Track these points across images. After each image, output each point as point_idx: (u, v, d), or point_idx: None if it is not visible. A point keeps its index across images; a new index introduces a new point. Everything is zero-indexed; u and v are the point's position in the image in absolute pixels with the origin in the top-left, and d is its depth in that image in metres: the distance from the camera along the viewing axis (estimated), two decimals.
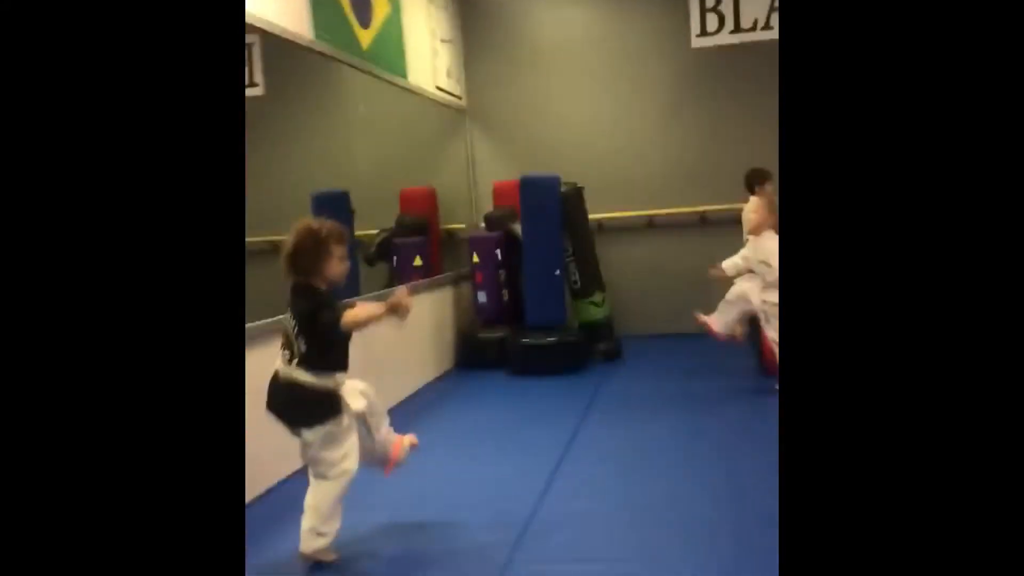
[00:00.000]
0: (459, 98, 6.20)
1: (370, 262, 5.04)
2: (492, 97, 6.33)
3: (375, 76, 4.57)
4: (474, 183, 6.44)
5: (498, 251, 5.44)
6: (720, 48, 5.91)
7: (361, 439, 2.46)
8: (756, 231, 4.07)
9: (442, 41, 5.84)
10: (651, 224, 6.13)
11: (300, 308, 2.31)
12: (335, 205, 4.26)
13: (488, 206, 6.10)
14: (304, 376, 2.30)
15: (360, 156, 4.69)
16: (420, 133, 5.81)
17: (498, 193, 5.96)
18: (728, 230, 6.04)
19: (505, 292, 5.54)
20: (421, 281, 5.10)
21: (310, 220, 2.36)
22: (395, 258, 5.17)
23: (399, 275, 5.11)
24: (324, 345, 2.30)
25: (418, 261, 5.17)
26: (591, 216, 5.77)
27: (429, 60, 5.55)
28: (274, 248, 3.94)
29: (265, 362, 2.43)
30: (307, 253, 2.30)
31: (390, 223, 5.39)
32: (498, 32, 6.26)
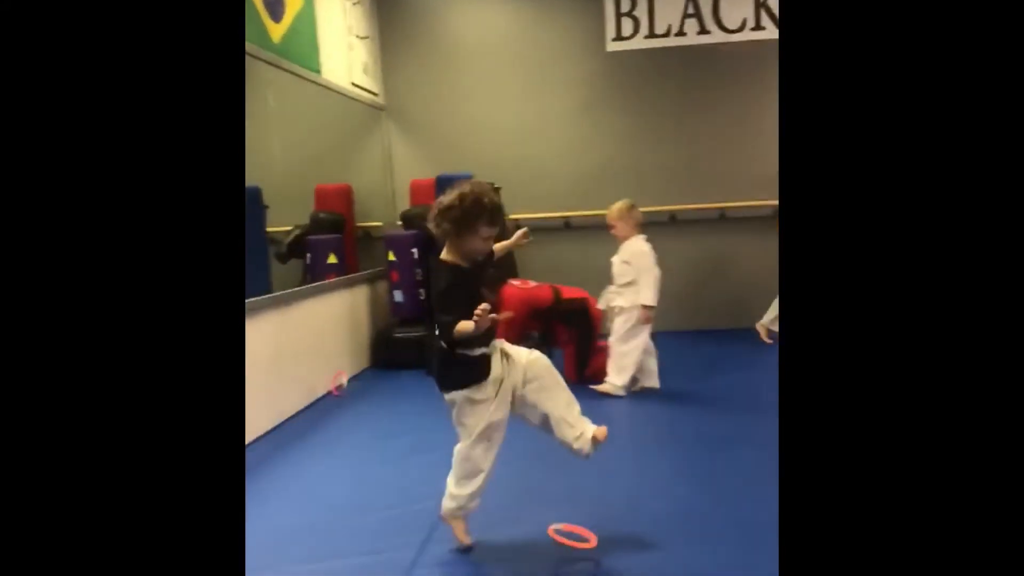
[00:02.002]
0: (376, 95, 6.14)
1: (282, 259, 4.95)
2: (410, 95, 6.29)
3: (286, 70, 4.49)
4: (391, 181, 6.39)
5: (415, 250, 5.41)
6: (635, 52, 6.02)
7: (532, 413, 2.40)
8: (625, 235, 4.33)
9: (358, 37, 5.77)
10: (568, 225, 6.20)
11: (433, 286, 2.33)
12: (246, 200, 4.17)
13: (406, 204, 6.06)
14: (442, 343, 2.30)
15: (273, 151, 4.59)
16: (336, 130, 5.73)
17: (415, 191, 5.93)
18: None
19: (422, 291, 5.52)
20: (336, 279, 5.04)
21: (477, 186, 2.27)
22: (309, 255, 5.08)
23: (313, 272, 5.03)
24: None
25: (333, 259, 5.10)
26: (508, 216, 5.80)
27: (344, 56, 5.48)
28: None
29: None
30: (454, 216, 2.23)
31: (305, 220, 5.30)
32: (416, 30, 6.22)
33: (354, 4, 5.70)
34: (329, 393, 4.66)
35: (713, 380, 4.60)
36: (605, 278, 5.94)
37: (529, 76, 6.18)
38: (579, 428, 2.39)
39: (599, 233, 6.14)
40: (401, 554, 2.45)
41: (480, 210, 2.23)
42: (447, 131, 6.25)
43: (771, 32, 5.88)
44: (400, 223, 5.91)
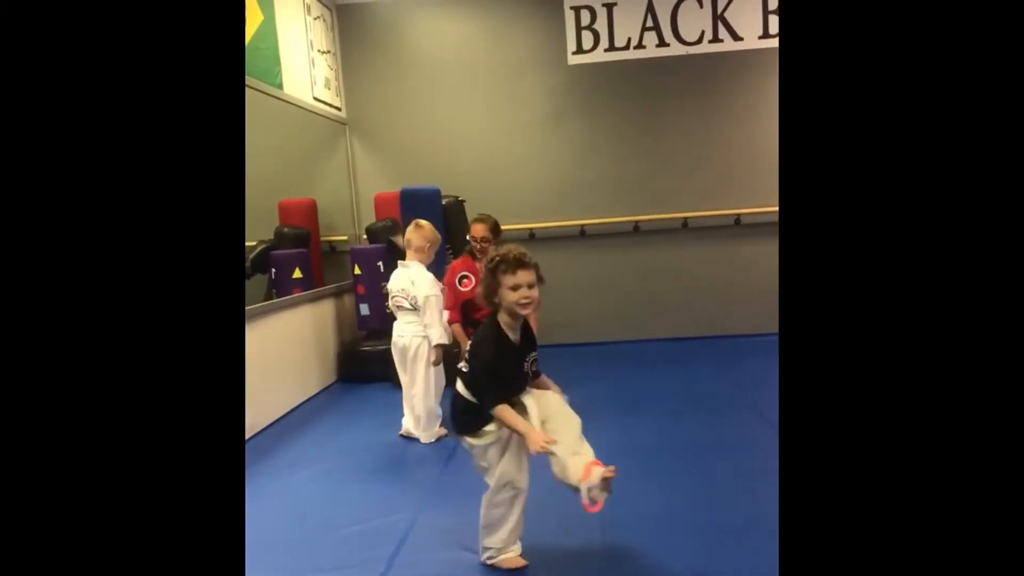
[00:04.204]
0: (338, 109, 6.15)
1: (247, 274, 4.93)
2: (372, 109, 6.30)
3: (248, 86, 4.48)
4: (356, 195, 6.39)
5: (380, 263, 5.42)
6: (596, 65, 6.10)
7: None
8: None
9: (320, 51, 5.78)
10: (532, 236, 6.25)
11: (478, 343, 2.31)
12: None
13: (371, 218, 6.07)
14: (462, 387, 2.33)
15: None
16: (299, 144, 5.73)
17: (380, 205, 5.93)
18: (609, 243, 6.25)
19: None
20: (301, 293, 5.03)
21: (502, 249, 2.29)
22: (273, 270, 5.07)
23: (278, 287, 5.01)
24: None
25: (298, 273, 5.09)
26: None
27: (306, 70, 5.48)
28: None
29: None
30: (486, 278, 2.28)
31: (269, 235, 5.29)
32: (378, 44, 6.24)
33: (315, 19, 5.71)
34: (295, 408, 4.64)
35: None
36: (570, 288, 6.03)
37: (492, 89, 6.22)
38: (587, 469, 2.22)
39: (564, 244, 6.22)
40: (370, 568, 2.46)
41: (498, 265, 2.25)
42: (410, 145, 6.27)
43: (728, 44, 5.99)
44: (365, 237, 5.92)
